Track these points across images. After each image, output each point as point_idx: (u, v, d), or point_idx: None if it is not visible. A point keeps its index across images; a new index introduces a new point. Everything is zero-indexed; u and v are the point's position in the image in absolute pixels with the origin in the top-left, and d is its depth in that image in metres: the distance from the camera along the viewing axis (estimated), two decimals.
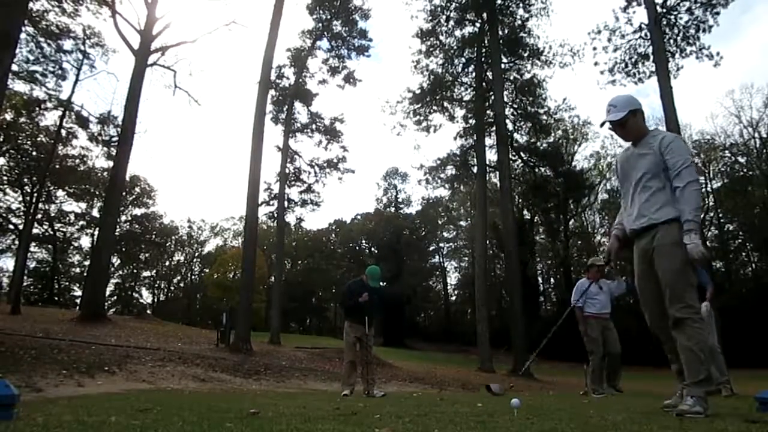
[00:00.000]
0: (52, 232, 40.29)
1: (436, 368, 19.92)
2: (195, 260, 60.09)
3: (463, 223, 53.24)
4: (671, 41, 20.52)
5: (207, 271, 51.74)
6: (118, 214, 26.45)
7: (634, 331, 17.72)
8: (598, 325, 6.98)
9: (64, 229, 42.06)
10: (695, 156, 34.48)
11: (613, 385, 6.86)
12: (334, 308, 54.82)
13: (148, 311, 46.29)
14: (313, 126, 27.37)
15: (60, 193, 36.55)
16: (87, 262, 43.44)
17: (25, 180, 32.51)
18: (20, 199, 33.57)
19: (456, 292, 58.22)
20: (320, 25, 26.50)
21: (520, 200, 39.76)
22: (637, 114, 3.08)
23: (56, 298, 42.33)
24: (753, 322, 26.65)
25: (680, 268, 2.85)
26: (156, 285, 60.29)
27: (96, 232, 38.11)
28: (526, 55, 25.98)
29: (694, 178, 2.89)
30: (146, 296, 59.93)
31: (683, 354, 2.84)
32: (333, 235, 59.42)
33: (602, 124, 3.14)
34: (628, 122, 3.06)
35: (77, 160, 33.37)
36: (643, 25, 20.58)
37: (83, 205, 39.58)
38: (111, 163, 22.73)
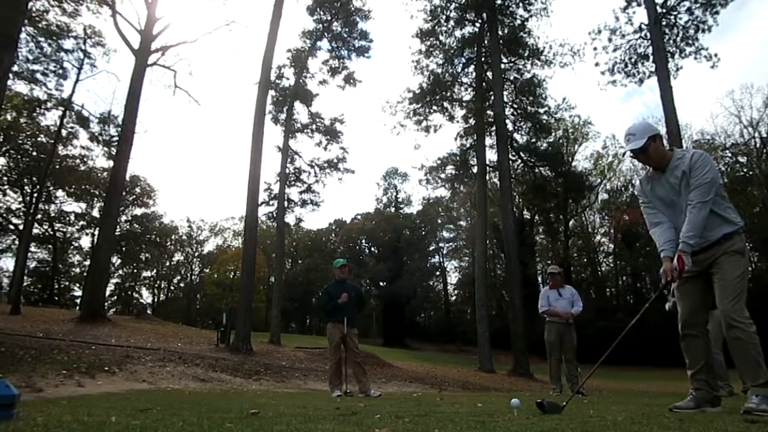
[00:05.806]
0: (52, 232, 40.29)
1: (436, 368, 19.93)
2: (195, 260, 60.14)
3: (463, 223, 53.28)
4: (671, 41, 20.55)
5: (207, 271, 51.76)
6: (118, 214, 26.43)
7: (634, 332, 17.73)
8: (555, 329, 7.51)
9: (64, 229, 42.08)
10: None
11: (577, 391, 6.91)
12: None
13: (148, 311, 46.29)
14: (313, 126, 27.32)
15: (60, 193, 36.59)
16: (87, 262, 43.51)
17: (25, 180, 32.51)
18: (20, 199, 33.60)
19: (456, 292, 58.28)
20: (320, 26, 26.50)
21: (520, 200, 39.76)
22: (656, 139, 3.14)
23: (56, 298, 42.32)
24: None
25: (741, 275, 3.02)
26: (156, 285, 60.36)
27: (96, 232, 38.13)
28: (526, 54, 25.96)
29: (702, 200, 2.94)
30: (146, 296, 60.07)
31: (741, 360, 2.93)
32: (333, 235, 59.42)
33: (623, 154, 3.21)
34: (649, 149, 3.12)
35: (77, 160, 33.38)
36: (643, 25, 20.62)
37: (83, 205, 39.65)
38: (111, 163, 22.77)
